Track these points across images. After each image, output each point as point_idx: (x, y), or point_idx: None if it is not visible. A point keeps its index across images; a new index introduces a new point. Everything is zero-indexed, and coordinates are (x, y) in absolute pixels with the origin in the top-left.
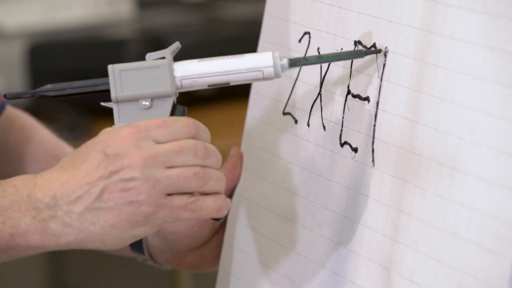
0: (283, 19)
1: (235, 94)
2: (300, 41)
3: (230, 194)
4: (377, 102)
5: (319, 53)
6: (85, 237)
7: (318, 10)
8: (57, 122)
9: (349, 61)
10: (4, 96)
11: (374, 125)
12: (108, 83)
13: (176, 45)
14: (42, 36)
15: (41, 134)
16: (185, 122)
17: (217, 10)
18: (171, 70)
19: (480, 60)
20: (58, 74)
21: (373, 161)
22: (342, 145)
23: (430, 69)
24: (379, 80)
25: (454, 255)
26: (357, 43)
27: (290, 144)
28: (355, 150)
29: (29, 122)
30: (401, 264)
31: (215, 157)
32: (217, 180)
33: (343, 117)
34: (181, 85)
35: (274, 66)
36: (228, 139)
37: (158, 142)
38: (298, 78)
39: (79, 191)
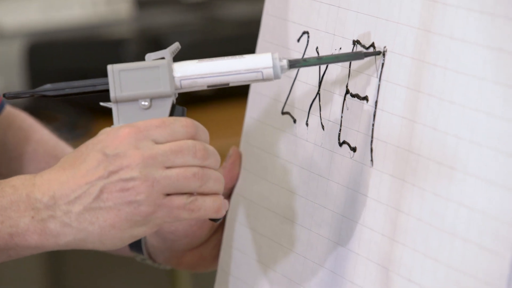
0: (282, 19)
1: (233, 94)
2: (298, 40)
3: (229, 194)
4: (376, 102)
5: (317, 52)
6: (84, 237)
7: (316, 9)
8: (56, 122)
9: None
10: (4, 95)
11: (373, 125)
12: (107, 83)
13: (175, 46)
14: (41, 35)
15: (40, 133)
16: (184, 123)
17: (216, 9)
18: (171, 71)
19: (479, 60)
20: (57, 73)
21: (371, 160)
22: (340, 144)
23: (429, 68)
24: (378, 79)
25: (452, 254)
26: (356, 42)
27: (289, 143)
28: (353, 149)
29: (28, 122)
30: (400, 264)
31: (214, 158)
32: (216, 181)
33: (341, 117)
34: (181, 86)
35: (274, 67)
36: (227, 138)
37: (157, 142)
38: (297, 78)
39: (78, 191)
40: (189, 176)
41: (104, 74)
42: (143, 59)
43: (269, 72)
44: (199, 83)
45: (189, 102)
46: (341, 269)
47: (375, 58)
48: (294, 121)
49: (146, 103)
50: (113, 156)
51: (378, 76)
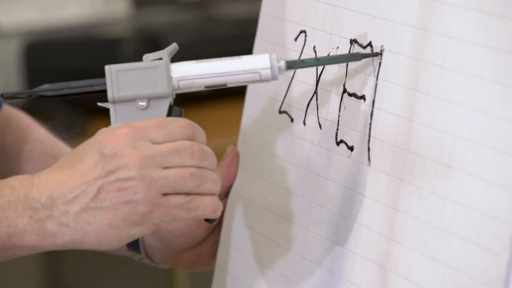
0: (279, 18)
1: (231, 93)
2: (296, 39)
3: (226, 193)
4: (373, 101)
5: (315, 51)
6: (81, 237)
7: (314, 8)
8: (53, 121)
9: None
10: (1, 95)
11: (370, 124)
12: (105, 83)
13: (173, 46)
14: (39, 34)
15: (37, 133)
16: (181, 123)
17: (213, 8)
18: (168, 71)
19: (477, 59)
20: (54, 72)
21: (369, 159)
22: (338, 143)
23: (426, 67)
24: (375, 78)
25: (450, 253)
26: (353, 41)
27: (286, 142)
28: (351, 148)
29: (26, 121)
30: (397, 263)
31: (211, 159)
32: (213, 181)
33: (339, 116)
34: (178, 86)
35: (271, 68)
36: (224, 137)
37: (154, 143)
38: (294, 77)
39: (76, 191)
40: (186, 176)
41: (102, 74)
42: (141, 59)
43: (267, 73)
44: (196, 84)
45: (186, 101)
46: (339, 268)
47: (372, 58)
48: (292, 120)
49: (144, 104)
50: (111, 156)
51: (376, 75)
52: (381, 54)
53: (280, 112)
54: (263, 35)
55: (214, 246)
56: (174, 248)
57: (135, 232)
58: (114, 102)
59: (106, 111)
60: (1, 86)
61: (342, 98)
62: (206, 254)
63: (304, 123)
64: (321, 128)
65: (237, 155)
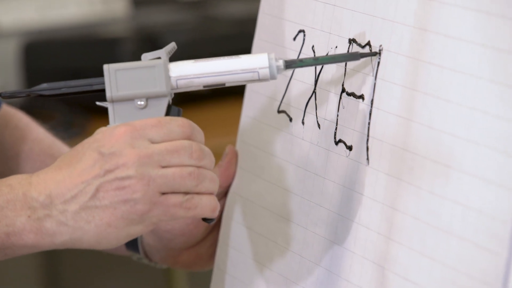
0: (278, 17)
1: (229, 92)
2: (294, 39)
3: (225, 193)
4: (372, 100)
5: (313, 51)
6: (80, 236)
7: (312, 8)
8: (52, 121)
9: None
10: (0, 95)
11: (369, 123)
12: (103, 83)
13: (172, 46)
14: (37, 34)
15: (36, 132)
16: (180, 122)
17: (211, 8)
18: (167, 70)
19: (475, 58)
20: (53, 72)
21: (367, 159)
22: (336, 143)
23: (424, 67)
24: (374, 78)
25: (448, 253)
26: (352, 41)
27: (285, 142)
28: (349, 148)
29: (24, 121)
30: (396, 262)
31: (209, 159)
32: (211, 181)
33: (337, 115)
34: (177, 86)
35: (270, 67)
36: (222, 137)
37: (153, 142)
38: (293, 77)
39: (74, 190)
40: (185, 175)
41: (100, 73)
42: (139, 58)
43: (265, 72)
44: (195, 83)
45: (184, 100)
46: (337, 268)
47: (371, 57)
48: (290, 119)
49: (142, 103)
50: (109, 154)
51: (374, 75)
52: (379, 53)
53: (279, 111)
54: (262, 35)
55: (212, 246)
56: (173, 248)
57: (134, 231)
58: (112, 101)
59: (104, 110)
60: (0, 86)
61: (340, 98)
62: (205, 254)
63: (303, 123)
64: (319, 128)
65: (235, 155)
